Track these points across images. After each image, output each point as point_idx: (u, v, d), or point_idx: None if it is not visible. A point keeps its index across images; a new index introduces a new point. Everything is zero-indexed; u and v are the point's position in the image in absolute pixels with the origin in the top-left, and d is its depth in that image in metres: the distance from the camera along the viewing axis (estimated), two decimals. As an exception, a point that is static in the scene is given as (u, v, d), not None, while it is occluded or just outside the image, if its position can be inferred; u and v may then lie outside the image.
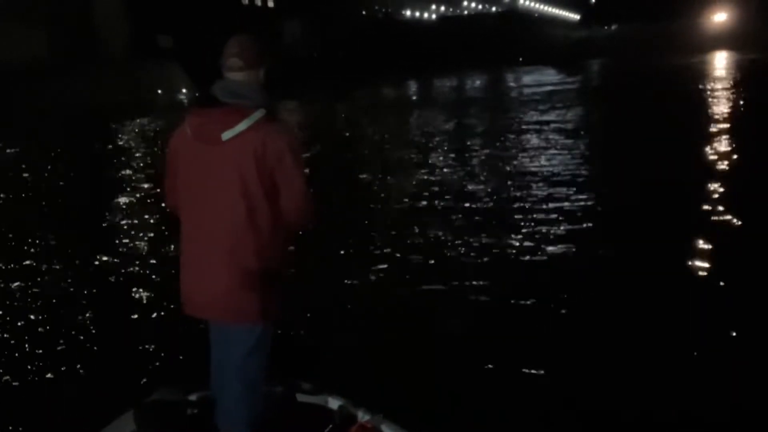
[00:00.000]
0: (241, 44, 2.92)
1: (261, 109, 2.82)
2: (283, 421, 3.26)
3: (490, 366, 5.02)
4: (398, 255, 7.95)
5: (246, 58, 2.89)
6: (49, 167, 17.60)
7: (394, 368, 4.93)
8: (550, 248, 7.85)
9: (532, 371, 4.91)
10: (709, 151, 13.00)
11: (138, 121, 30.01)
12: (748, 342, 5.19)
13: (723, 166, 11.76)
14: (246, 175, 2.78)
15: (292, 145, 2.85)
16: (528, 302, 6.23)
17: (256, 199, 2.81)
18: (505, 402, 4.52)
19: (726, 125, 16.49)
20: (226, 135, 2.78)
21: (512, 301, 6.26)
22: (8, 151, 20.76)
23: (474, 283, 6.87)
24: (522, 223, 8.97)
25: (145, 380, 4.69)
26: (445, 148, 16.93)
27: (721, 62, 43.07)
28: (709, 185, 10.23)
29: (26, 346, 5.94)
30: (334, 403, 3.46)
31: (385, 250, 8.15)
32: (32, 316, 6.63)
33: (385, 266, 7.59)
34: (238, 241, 2.82)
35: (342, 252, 8.21)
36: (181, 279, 3.01)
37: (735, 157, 12.44)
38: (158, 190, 11.49)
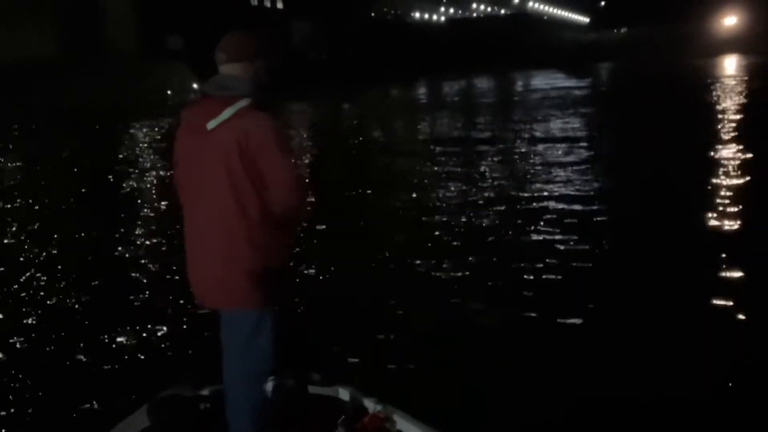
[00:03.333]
0: (228, 38, 2.98)
1: (246, 98, 2.85)
2: (295, 412, 3.25)
3: (502, 358, 4.97)
4: (406, 249, 7.99)
5: (229, 52, 2.94)
6: (55, 165, 17.66)
7: (405, 359, 4.92)
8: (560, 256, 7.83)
9: (546, 365, 4.86)
10: (725, 159, 12.78)
11: (147, 120, 30.11)
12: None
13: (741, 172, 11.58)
14: (231, 163, 2.81)
15: (276, 133, 2.85)
16: (539, 300, 6.17)
17: (243, 187, 2.83)
18: (516, 395, 4.46)
19: (741, 130, 16.34)
20: (211, 124, 2.83)
21: (522, 297, 6.25)
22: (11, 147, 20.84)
23: (478, 281, 6.85)
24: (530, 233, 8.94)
25: (159, 376, 4.67)
26: (453, 152, 16.88)
27: (731, 66, 42.86)
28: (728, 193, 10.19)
29: (38, 342, 5.93)
30: (345, 394, 3.47)
31: (393, 244, 8.22)
32: (47, 312, 6.64)
33: (394, 260, 7.63)
34: (228, 228, 2.85)
35: (352, 246, 8.24)
36: (186, 269, 3.06)
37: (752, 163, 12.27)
38: (166, 184, 11.50)
